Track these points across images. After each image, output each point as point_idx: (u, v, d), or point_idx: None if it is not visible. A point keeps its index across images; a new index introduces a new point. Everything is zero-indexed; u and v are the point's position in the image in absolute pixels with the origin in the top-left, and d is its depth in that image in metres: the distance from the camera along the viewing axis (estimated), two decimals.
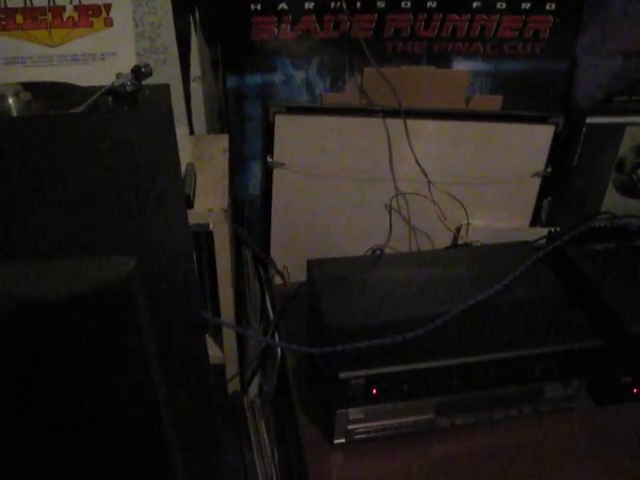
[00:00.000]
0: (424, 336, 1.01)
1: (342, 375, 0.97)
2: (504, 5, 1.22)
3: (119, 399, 0.55)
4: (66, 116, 0.57)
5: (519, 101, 1.31)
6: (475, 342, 1.02)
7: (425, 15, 1.22)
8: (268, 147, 1.27)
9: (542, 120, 1.30)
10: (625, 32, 1.32)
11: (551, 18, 1.24)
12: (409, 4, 1.20)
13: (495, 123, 1.30)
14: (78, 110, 0.95)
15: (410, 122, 1.26)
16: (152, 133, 0.55)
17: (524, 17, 1.24)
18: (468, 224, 1.36)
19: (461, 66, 1.27)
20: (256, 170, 1.33)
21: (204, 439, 0.72)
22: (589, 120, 1.31)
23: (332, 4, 1.19)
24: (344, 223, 1.34)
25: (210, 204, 1.08)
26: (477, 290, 1.08)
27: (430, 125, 1.28)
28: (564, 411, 1.12)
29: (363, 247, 1.23)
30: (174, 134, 0.59)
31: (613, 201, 1.43)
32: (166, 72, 1.29)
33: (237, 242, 1.39)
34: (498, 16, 1.23)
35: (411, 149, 1.25)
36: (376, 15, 1.21)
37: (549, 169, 1.35)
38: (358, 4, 1.20)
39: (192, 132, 1.34)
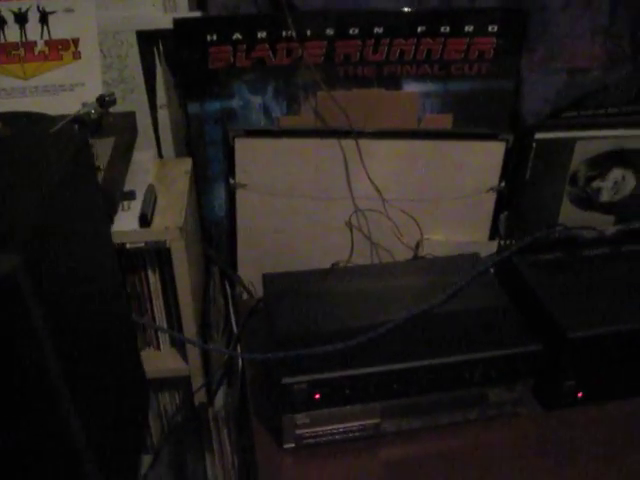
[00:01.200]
0: (367, 343, 1.07)
1: (285, 380, 1.03)
2: (448, 29, 1.29)
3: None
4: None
5: (469, 119, 1.37)
6: (416, 348, 1.09)
7: (373, 40, 1.29)
8: (230, 169, 1.34)
9: (492, 137, 1.36)
10: (569, 50, 1.38)
11: (494, 39, 1.31)
12: (357, 31, 1.27)
13: (447, 141, 1.36)
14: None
15: (364, 142, 1.33)
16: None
17: (468, 39, 1.30)
18: (424, 239, 1.42)
19: (411, 87, 1.34)
20: (220, 191, 1.41)
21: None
22: (538, 136, 1.37)
23: (283, 33, 1.26)
24: (307, 240, 1.41)
25: (167, 222, 1.15)
26: (423, 299, 1.14)
27: (384, 145, 1.35)
28: (511, 416, 1.16)
29: (326, 263, 1.30)
30: (87, 155, 0.66)
31: (569, 214, 1.47)
32: (134, 100, 1.38)
33: (206, 260, 1.45)
34: (443, 39, 1.30)
35: (364, 168, 1.32)
36: (326, 42, 1.28)
37: (503, 184, 1.41)
38: (308, 32, 1.27)
39: (161, 156, 1.42)
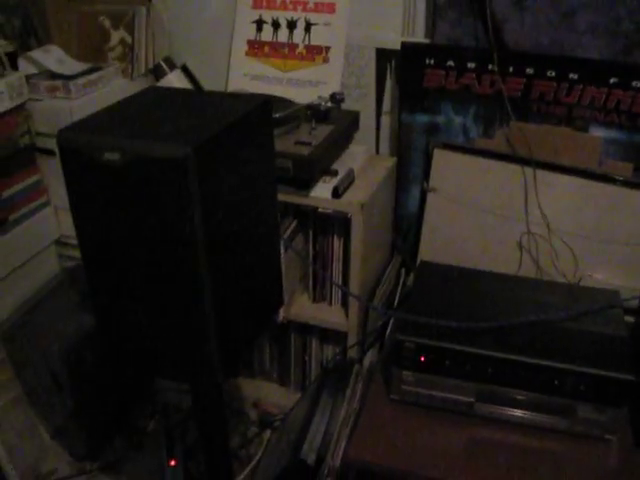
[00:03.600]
0: (478, 331, 1.33)
1: (399, 337, 1.32)
2: (639, 84, 1.47)
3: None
4: None
5: None
6: (518, 346, 1.31)
7: (567, 84, 1.52)
8: (425, 174, 1.66)
9: None
10: None
11: None
12: (554, 73, 1.52)
13: (623, 188, 1.53)
14: (280, 115, 1.47)
15: (544, 173, 1.56)
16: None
17: None
18: (587, 275, 1.59)
19: (596, 132, 1.54)
20: (416, 192, 1.72)
21: None
22: None
23: (489, 66, 1.55)
24: (481, 248, 1.67)
25: (352, 198, 1.51)
26: (548, 312, 1.37)
27: (562, 179, 1.56)
28: (599, 440, 1.32)
29: None
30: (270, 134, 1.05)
31: None
32: (365, 103, 1.75)
33: (392, 247, 1.79)
34: (633, 92, 1.48)
35: (535, 197, 1.55)
36: (525, 79, 1.54)
37: None
38: (511, 68, 1.54)
39: (378, 152, 1.78)
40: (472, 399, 1.33)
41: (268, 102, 1.04)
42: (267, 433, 1.80)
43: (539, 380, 1.28)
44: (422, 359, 1.31)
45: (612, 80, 1.47)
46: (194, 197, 0.89)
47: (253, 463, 1.66)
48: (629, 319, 1.44)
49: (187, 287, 0.94)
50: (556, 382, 1.27)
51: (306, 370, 1.79)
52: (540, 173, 1.54)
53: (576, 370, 1.26)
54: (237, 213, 1.00)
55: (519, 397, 1.31)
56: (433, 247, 1.70)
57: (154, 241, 0.91)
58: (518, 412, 1.33)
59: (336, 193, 1.47)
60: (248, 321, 1.11)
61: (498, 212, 1.61)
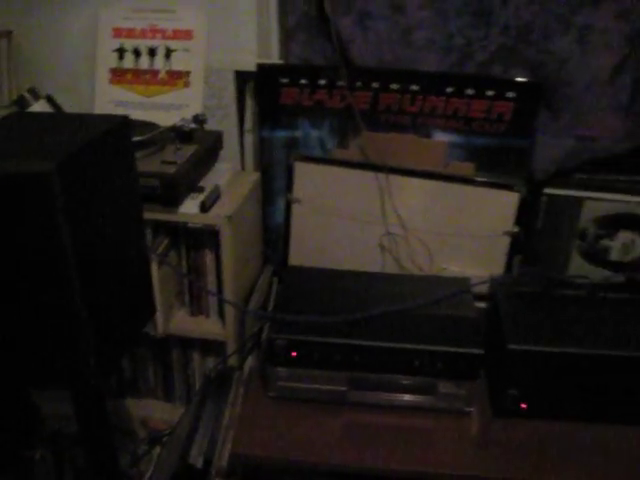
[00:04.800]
0: (342, 324, 1.46)
1: (271, 335, 1.44)
2: (473, 92, 1.66)
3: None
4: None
5: (489, 169, 1.72)
6: (380, 333, 1.45)
7: (409, 95, 1.69)
8: (288, 186, 1.79)
9: (508, 187, 1.70)
10: (591, 121, 1.70)
11: (512, 104, 1.66)
12: (397, 86, 1.69)
13: (467, 186, 1.72)
14: (144, 137, 1.55)
15: (395, 178, 1.73)
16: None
17: (489, 102, 1.67)
18: (442, 268, 1.76)
19: (439, 137, 1.72)
20: (281, 203, 1.85)
21: None
22: (547, 191, 1.69)
23: (339, 82, 1.70)
24: (346, 253, 1.81)
25: (219, 211, 1.62)
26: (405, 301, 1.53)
27: (413, 182, 1.73)
28: (461, 413, 1.48)
29: None
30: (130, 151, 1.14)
31: (578, 267, 1.76)
32: (228, 124, 1.87)
33: (264, 258, 1.91)
34: (468, 100, 1.67)
35: (390, 200, 1.71)
36: (372, 93, 1.70)
37: (516, 230, 1.73)
38: (358, 83, 1.70)
39: (243, 168, 1.90)
40: (344, 388, 1.45)
41: (126, 120, 1.14)
42: (157, 450, 1.86)
43: (402, 363, 1.43)
44: (293, 354, 1.43)
45: (448, 90, 1.66)
46: (60, 210, 0.97)
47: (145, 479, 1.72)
48: (481, 304, 1.61)
49: (59, 293, 1.02)
50: (416, 363, 1.42)
51: (190, 384, 1.88)
52: (392, 178, 1.70)
53: (432, 350, 1.41)
54: (103, 226, 1.09)
55: (386, 381, 1.46)
56: (302, 254, 1.83)
57: (24, 254, 0.99)
58: (387, 395, 1.46)
59: (203, 207, 1.58)
60: (122, 326, 1.19)
61: (359, 217, 1.76)
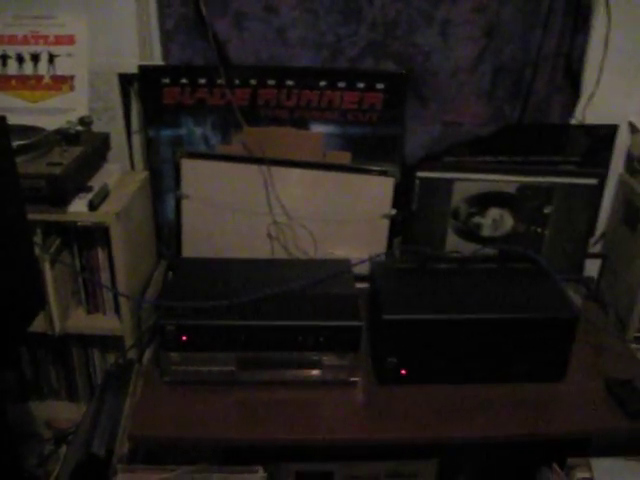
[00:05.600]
0: (230, 307, 1.55)
1: (160, 322, 1.52)
2: (344, 85, 1.80)
3: None
4: None
5: (366, 157, 1.86)
6: (264, 314, 1.56)
7: (286, 90, 1.81)
8: (176, 182, 1.89)
9: (382, 173, 1.83)
10: (457, 108, 1.85)
11: (382, 95, 1.80)
12: (274, 82, 1.81)
13: (345, 174, 1.85)
14: (29, 141, 1.62)
15: (278, 170, 1.84)
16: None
17: (361, 94, 1.80)
18: (329, 253, 1.88)
19: (317, 129, 1.84)
20: (171, 200, 1.94)
21: None
22: (420, 174, 1.84)
23: (218, 81, 1.81)
24: (237, 244, 1.90)
25: (108, 209, 1.70)
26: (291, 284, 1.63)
27: (294, 173, 1.85)
28: (347, 384, 1.59)
29: None
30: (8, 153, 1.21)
31: (455, 244, 1.91)
32: (115, 125, 1.95)
33: (158, 254, 2.00)
34: (340, 92, 1.80)
35: (274, 191, 1.82)
36: (250, 89, 1.82)
37: (394, 212, 1.87)
38: (237, 81, 1.81)
39: (133, 167, 1.98)
40: (233, 368, 1.56)
41: (2, 122, 1.22)
42: (64, 449, 1.92)
43: (286, 340, 1.54)
44: (183, 339, 1.52)
45: (322, 83, 1.79)
46: None
47: (52, 477, 1.78)
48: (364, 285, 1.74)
49: None
50: (300, 338, 1.53)
51: (93, 381, 1.95)
52: (274, 170, 1.82)
53: (313, 325, 1.53)
54: None
55: (274, 358, 1.56)
56: (195, 248, 1.93)
57: None
58: (275, 372, 1.57)
59: (92, 206, 1.66)
60: (7, 323, 1.27)
61: (246, 208, 1.87)
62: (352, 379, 1.58)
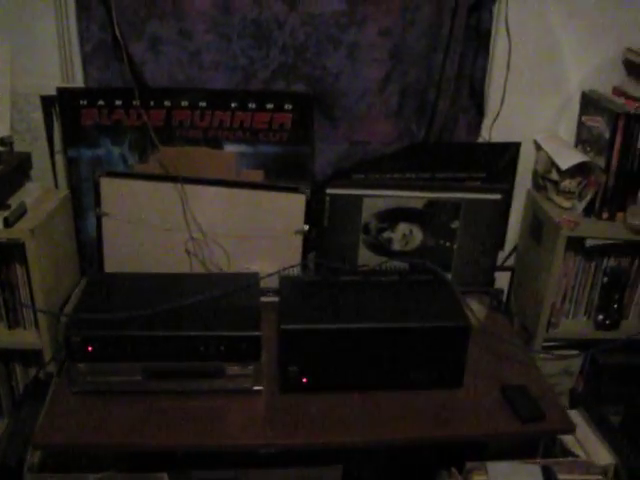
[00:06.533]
0: (135, 319, 1.63)
1: (67, 333, 1.61)
2: (254, 105, 1.90)
3: None
4: None
5: (278, 175, 1.96)
6: (163, 325, 1.63)
7: (199, 112, 1.91)
8: (96, 201, 1.98)
9: (294, 190, 1.93)
10: (367, 128, 1.96)
11: (290, 115, 1.91)
12: (187, 103, 1.91)
13: (259, 191, 1.94)
14: None
15: (193, 188, 1.94)
16: None
17: (270, 114, 1.91)
18: (245, 268, 1.98)
19: (230, 148, 1.94)
20: (93, 218, 2.03)
21: None
22: (329, 191, 1.94)
23: (134, 102, 1.91)
24: (157, 261, 1.98)
25: (24, 226, 1.79)
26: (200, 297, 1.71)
27: (209, 191, 1.94)
28: (250, 393, 1.68)
29: None
30: None
31: (367, 258, 2.01)
32: (39, 146, 2.04)
33: (81, 270, 2.08)
34: (251, 113, 1.91)
35: (189, 208, 1.92)
36: (165, 110, 1.92)
37: (306, 228, 1.97)
38: (152, 103, 1.91)
39: (57, 186, 2.07)
40: (140, 377, 1.64)
41: None
42: None
43: (190, 350, 1.62)
44: (90, 349, 1.60)
45: (233, 105, 1.89)
46: None
47: None
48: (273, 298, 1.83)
49: None
50: (202, 348, 1.62)
51: (15, 396, 2.02)
52: (190, 188, 1.92)
53: (215, 335, 1.62)
54: None
55: (179, 368, 1.64)
56: (116, 264, 2.02)
57: None
58: (181, 381, 1.65)
59: (7, 223, 1.75)
60: None
61: (165, 226, 1.96)
62: (256, 388, 1.66)
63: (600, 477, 1.66)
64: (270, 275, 1.82)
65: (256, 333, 1.61)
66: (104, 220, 1.97)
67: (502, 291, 2.11)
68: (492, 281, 2.06)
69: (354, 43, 1.90)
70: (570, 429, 1.65)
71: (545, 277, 1.95)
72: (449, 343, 1.65)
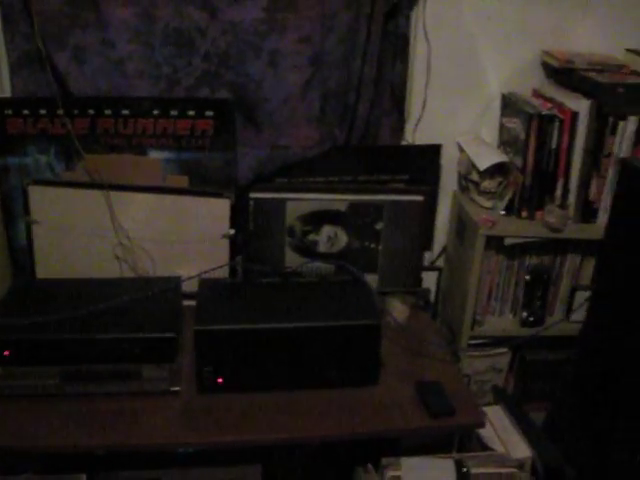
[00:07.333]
0: (58, 322, 1.68)
1: None
2: (176, 113, 1.96)
3: None
4: None
5: (203, 180, 2.01)
6: (87, 329, 1.68)
7: (122, 119, 1.97)
8: (25, 208, 2.03)
9: (218, 195, 1.99)
10: (289, 133, 2.02)
11: (212, 122, 1.97)
12: (110, 112, 1.96)
13: (184, 196, 2.00)
14: None
15: (119, 194, 1.99)
16: None
17: (192, 121, 1.97)
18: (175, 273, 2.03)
19: (154, 155, 2.00)
20: (22, 226, 2.09)
21: None
22: (253, 195, 1.99)
23: (58, 111, 1.96)
24: (87, 265, 2.04)
25: None
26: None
27: (136, 197, 2.00)
28: (168, 393, 1.72)
29: None
30: None
31: (294, 260, 2.07)
32: None
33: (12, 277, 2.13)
34: (173, 120, 1.96)
35: (116, 214, 1.97)
36: (89, 119, 1.97)
37: (232, 232, 2.02)
38: (76, 111, 1.97)
39: None
40: (57, 381, 1.69)
41: None
42: None
43: (106, 352, 1.66)
44: (6, 354, 1.65)
45: (155, 112, 1.95)
46: None
47: None
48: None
49: None
50: (118, 351, 1.67)
51: None
52: (116, 194, 1.97)
53: (130, 337, 1.67)
54: None
55: (96, 371, 1.68)
56: (48, 271, 2.07)
57: None
58: (98, 384, 1.69)
59: None
60: None
61: (94, 232, 2.02)
62: (173, 389, 1.71)
63: (515, 470, 1.70)
64: (191, 278, 1.86)
65: (170, 334, 1.65)
66: (34, 227, 2.02)
67: (429, 291, 2.16)
68: (419, 281, 2.11)
69: (275, 50, 1.95)
70: (480, 424, 1.70)
71: (467, 276, 2.00)
72: (361, 341, 1.70)
